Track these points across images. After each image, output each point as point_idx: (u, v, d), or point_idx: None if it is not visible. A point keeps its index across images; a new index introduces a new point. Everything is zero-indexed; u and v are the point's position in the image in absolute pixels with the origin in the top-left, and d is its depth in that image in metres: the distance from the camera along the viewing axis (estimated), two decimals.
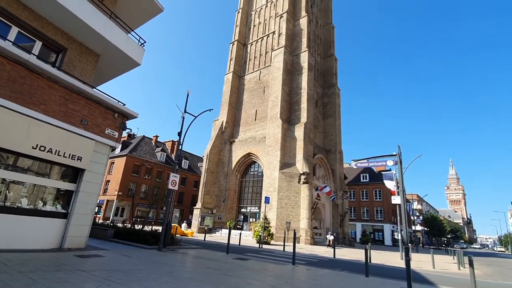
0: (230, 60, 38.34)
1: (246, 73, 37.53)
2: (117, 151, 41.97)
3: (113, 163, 42.65)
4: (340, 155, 35.78)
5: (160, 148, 49.13)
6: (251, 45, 38.92)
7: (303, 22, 34.26)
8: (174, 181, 11.46)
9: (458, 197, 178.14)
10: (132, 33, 10.97)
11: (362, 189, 54.08)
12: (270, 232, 22.52)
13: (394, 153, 17.85)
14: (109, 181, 41.89)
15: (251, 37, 39.64)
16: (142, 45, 10.82)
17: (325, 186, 28.95)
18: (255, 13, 40.67)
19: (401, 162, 15.48)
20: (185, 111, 12.58)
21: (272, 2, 38.60)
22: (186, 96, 13.18)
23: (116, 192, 39.67)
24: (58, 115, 7.83)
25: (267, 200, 21.39)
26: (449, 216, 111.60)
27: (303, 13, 34.75)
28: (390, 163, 16.16)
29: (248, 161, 33.41)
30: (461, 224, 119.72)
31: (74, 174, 8.48)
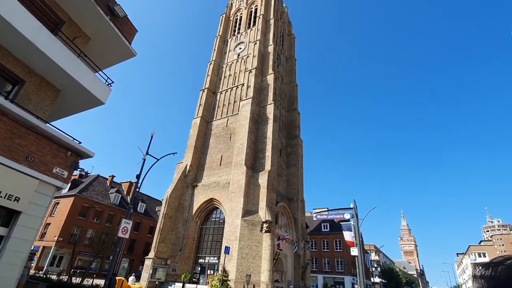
0: (199, 106, 39.31)
1: (214, 119, 38.45)
2: (65, 190, 38.01)
3: (58, 203, 38.19)
4: (302, 203, 36.30)
5: (115, 189, 45.64)
6: (220, 93, 40.71)
7: (270, 78, 37.30)
8: (125, 228, 10.57)
9: (411, 248, 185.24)
10: (101, 72, 11.02)
11: (323, 239, 54.07)
12: (228, 287, 20.94)
13: (351, 206, 18.71)
14: (49, 224, 36.92)
15: (221, 86, 41.67)
16: (109, 85, 10.84)
17: (287, 236, 28.56)
18: (226, 66, 43.52)
19: (357, 216, 16.13)
20: (147, 153, 12.27)
21: (243, 58, 41.93)
22: (150, 138, 13.00)
23: (56, 238, 34.77)
24: (1, 149, 7.19)
25: (227, 250, 20.35)
26: (404, 268, 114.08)
27: (270, 70, 38.05)
28: (347, 216, 16.73)
29: (210, 207, 32.25)
30: (415, 276, 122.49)
31: (7, 216, 7.48)
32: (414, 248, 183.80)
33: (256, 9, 48.15)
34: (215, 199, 31.36)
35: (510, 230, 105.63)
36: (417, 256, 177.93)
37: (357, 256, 19.85)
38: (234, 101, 38.16)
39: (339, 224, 50.76)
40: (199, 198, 32.33)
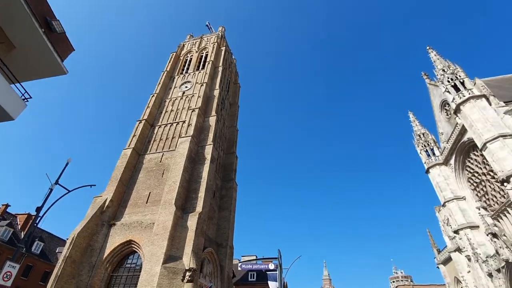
0: (133, 136, 36.90)
1: (148, 153, 36.26)
2: None
3: None
4: (231, 250, 34.93)
5: (7, 221, 36.96)
6: (159, 127, 39.33)
7: (212, 120, 38.06)
8: (9, 273, 8.47)
9: None
10: (18, 85, 9.75)
11: None
12: None
13: (277, 257, 18.91)
14: None
15: (161, 120, 40.47)
16: (26, 100, 9.58)
17: (211, 286, 26.52)
18: (170, 101, 43.10)
19: (280, 266, 16.32)
20: (56, 183, 10.66)
21: (188, 97, 42.35)
22: (65, 165, 11.44)
23: None
24: None
25: None
26: None
27: (213, 112, 39.03)
28: (271, 266, 16.80)
29: (127, 251, 28.35)
30: None
31: None
32: None
33: (206, 55, 50.79)
34: (134, 241, 27.88)
35: (410, 281, 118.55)
36: None
37: None
38: (173, 137, 37.11)
39: (266, 273, 49.70)
40: (115, 239, 28.33)
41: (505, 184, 24.24)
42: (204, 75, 44.44)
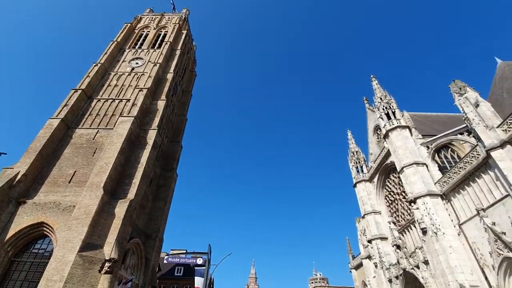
0: (64, 106, 32.45)
1: (80, 127, 32.31)
2: None
3: None
4: (160, 242, 33.40)
5: None
6: (98, 101, 35.43)
7: (161, 103, 35.92)
8: None
9: None
10: None
11: (173, 284, 50.15)
12: None
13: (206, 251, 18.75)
14: None
15: (101, 93, 36.54)
16: None
17: (131, 279, 24.89)
18: (115, 75, 39.23)
19: (209, 261, 16.22)
20: None
21: (137, 74, 39.14)
22: None
23: None
24: None
25: None
26: None
27: (163, 96, 36.87)
28: (200, 261, 16.59)
29: (36, 234, 24.73)
30: None
31: None
32: None
33: (165, 35, 47.82)
34: (47, 224, 24.47)
35: (326, 283, 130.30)
36: None
37: None
38: (113, 115, 33.83)
39: (194, 269, 48.85)
40: (23, 220, 24.47)
41: (412, 204, 28.43)
42: (159, 55, 41.68)
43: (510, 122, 20.85)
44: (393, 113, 35.27)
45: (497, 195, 21.84)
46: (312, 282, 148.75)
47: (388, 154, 35.86)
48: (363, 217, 40.86)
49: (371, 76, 41.49)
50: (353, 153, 47.04)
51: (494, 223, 21.48)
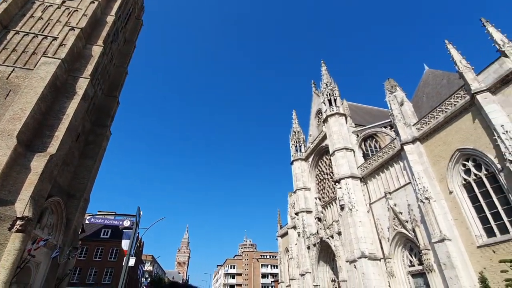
0: None
1: None
2: None
3: None
4: (85, 203, 30.96)
5: None
6: (16, 33, 29.24)
7: (96, 49, 31.43)
8: None
9: (184, 259, 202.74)
10: None
11: (98, 246, 47.93)
12: None
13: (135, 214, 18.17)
14: None
15: (20, 25, 30.16)
16: None
17: (47, 239, 22.89)
18: (41, 5, 32.53)
19: (137, 224, 15.86)
20: None
21: (69, 9, 33.11)
22: None
23: None
24: None
25: None
26: (173, 277, 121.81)
27: (100, 42, 32.26)
28: (126, 223, 16.05)
29: None
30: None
31: None
32: (187, 260, 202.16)
33: None
34: None
35: (255, 248, 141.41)
36: (187, 267, 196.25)
37: (125, 267, 19.18)
38: (34, 53, 28.48)
39: (122, 231, 47.14)
40: None
41: (336, 183, 32.03)
42: None
43: (423, 122, 24.49)
44: (335, 100, 37.91)
45: (402, 182, 26.10)
46: (241, 247, 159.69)
47: (324, 137, 38.93)
48: (294, 192, 44.53)
49: (321, 61, 43.28)
50: (295, 132, 49.72)
51: (395, 204, 25.88)
